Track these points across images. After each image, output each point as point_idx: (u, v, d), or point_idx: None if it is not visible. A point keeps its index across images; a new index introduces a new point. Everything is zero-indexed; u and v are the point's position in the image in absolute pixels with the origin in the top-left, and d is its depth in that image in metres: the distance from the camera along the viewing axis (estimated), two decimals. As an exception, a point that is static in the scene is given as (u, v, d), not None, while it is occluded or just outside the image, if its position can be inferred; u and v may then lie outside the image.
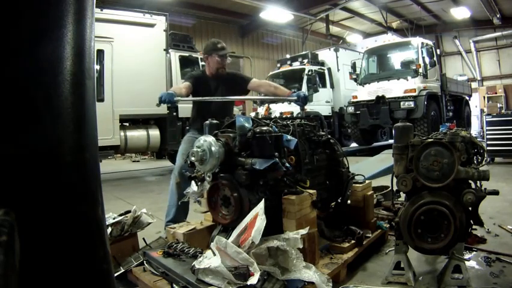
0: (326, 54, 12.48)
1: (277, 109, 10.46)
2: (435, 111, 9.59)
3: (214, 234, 2.21)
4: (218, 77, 3.17)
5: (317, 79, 11.23)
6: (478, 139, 2.49)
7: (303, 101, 2.99)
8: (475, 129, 14.60)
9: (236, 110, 8.09)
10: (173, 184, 3.00)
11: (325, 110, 11.41)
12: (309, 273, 1.85)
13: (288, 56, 13.37)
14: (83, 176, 0.77)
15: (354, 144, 11.86)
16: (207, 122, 2.52)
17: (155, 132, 7.90)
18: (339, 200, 2.74)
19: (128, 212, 2.61)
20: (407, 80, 9.30)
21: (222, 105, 3.12)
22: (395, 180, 2.29)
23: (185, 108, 7.80)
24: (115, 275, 2.12)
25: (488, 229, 2.95)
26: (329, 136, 2.81)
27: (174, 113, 8.07)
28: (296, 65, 11.70)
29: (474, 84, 16.80)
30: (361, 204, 2.79)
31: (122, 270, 2.29)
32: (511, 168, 6.60)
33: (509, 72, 17.62)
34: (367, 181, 2.97)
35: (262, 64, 17.50)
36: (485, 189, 2.14)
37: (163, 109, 7.84)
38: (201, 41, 14.84)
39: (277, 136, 2.16)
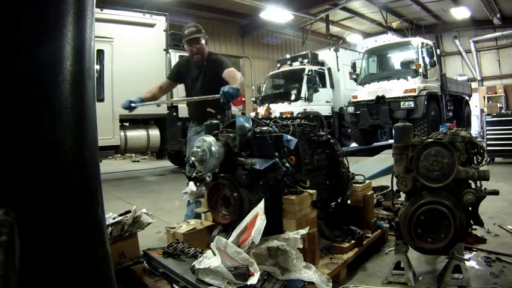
0: (326, 54, 12.47)
1: (277, 109, 10.47)
2: (435, 111, 9.59)
3: (214, 234, 2.21)
4: (201, 64, 3.08)
5: (317, 79, 11.22)
6: (478, 139, 2.49)
7: (226, 96, 2.56)
8: (475, 129, 14.58)
9: (236, 110, 8.08)
10: None
11: (325, 110, 11.42)
12: (309, 273, 1.85)
13: (288, 56, 13.35)
14: (83, 176, 0.77)
15: (354, 144, 11.84)
16: (207, 122, 2.52)
17: (155, 132, 7.90)
18: (339, 200, 2.74)
19: (128, 212, 2.61)
20: (407, 80, 9.30)
21: (206, 92, 2.93)
22: (395, 180, 2.29)
23: (185, 108, 7.81)
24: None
25: (488, 229, 2.95)
26: (329, 136, 2.80)
27: (174, 113, 8.08)
28: (296, 65, 11.69)
29: (474, 84, 16.78)
30: (361, 204, 2.78)
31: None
32: (511, 168, 6.60)
33: (509, 72, 17.60)
34: (367, 181, 2.97)
35: (262, 64, 17.48)
36: (485, 189, 2.13)
37: (163, 109, 7.83)
38: (201, 41, 14.82)
39: (277, 136, 2.16)
